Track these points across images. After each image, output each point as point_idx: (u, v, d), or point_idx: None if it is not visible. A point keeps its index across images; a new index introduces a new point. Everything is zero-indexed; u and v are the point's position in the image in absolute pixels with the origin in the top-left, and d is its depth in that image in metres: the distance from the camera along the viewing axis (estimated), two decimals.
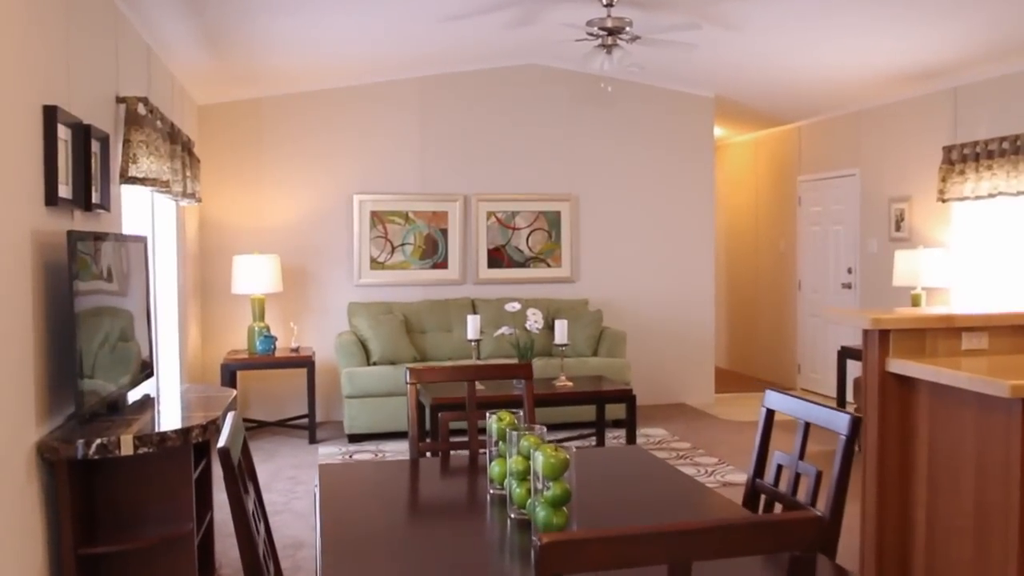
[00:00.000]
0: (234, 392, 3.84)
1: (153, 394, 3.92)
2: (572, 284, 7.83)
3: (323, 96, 7.30)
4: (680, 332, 8.05)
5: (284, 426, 6.93)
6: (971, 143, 6.31)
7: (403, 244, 7.48)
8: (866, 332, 3.67)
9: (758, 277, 9.54)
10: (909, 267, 6.59)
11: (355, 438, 6.58)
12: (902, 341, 3.58)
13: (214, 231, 7.15)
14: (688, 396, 8.12)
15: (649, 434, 6.71)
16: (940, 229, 6.80)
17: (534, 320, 5.83)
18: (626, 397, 5.75)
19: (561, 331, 5.91)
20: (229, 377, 6.52)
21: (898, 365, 3.49)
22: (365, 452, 6.24)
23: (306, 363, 6.60)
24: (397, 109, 7.45)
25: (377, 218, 7.41)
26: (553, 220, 7.78)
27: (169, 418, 3.45)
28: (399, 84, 7.44)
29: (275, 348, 6.67)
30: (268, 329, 6.77)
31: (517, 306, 5.87)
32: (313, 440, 6.56)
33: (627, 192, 7.92)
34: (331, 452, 6.25)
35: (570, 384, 5.93)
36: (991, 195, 6.11)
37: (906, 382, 3.57)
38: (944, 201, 6.56)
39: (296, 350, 6.81)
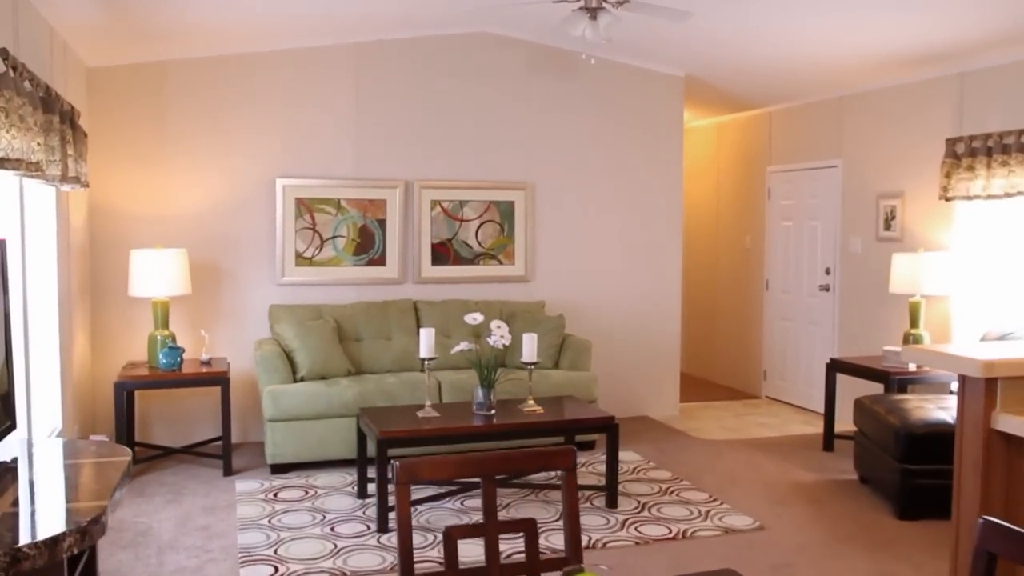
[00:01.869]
0: (129, 456, 2.81)
1: (20, 459, 2.85)
2: (526, 284, 6.93)
3: (241, 62, 6.18)
4: (643, 337, 7.25)
5: (192, 453, 5.83)
6: (982, 135, 5.65)
7: (334, 237, 6.44)
8: (964, 379, 2.89)
9: (718, 275, 8.82)
10: (909, 272, 5.91)
11: (279, 468, 5.55)
12: (1013, 391, 2.81)
13: (107, 221, 5.98)
14: (650, 408, 7.33)
15: (620, 459, 5.87)
16: (939, 230, 6.14)
17: (500, 335, 4.90)
18: (608, 426, 4.90)
19: (530, 347, 5.02)
20: (125, 398, 5.39)
21: (1014, 423, 2.71)
22: (294, 488, 5.23)
23: (220, 380, 5.52)
24: (328, 80, 6.38)
25: (304, 206, 6.35)
26: (506, 211, 6.85)
27: (34, 511, 2.40)
28: (331, 51, 6.37)
29: (182, 361, 5.57)
30: (173, 339, 5.66)
31: (480, 318, 4.93)
32: (228, 471, 5.50)
33: (588, 181, 7.05)
34: (252, 488, 5.21)
35: (540, 409, 5.05)
36: (1008, 195, 5.45)
37: (1016, 443, 2.81)
38: (948, 199, 5.90)
39: (207, 363, 5.72)
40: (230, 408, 5.56)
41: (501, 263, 6.86)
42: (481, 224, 6.79)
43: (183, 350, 5.59)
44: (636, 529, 4.57)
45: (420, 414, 4.86)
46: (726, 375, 8.70)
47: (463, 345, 4.92)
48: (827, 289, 7.25)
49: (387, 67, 6.50)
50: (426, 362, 4.87)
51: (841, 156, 7.07)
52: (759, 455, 6.08)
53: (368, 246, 6.53)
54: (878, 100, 6.68)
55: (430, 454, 5.67)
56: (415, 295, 6.62)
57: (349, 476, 5.46)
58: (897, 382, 5.65)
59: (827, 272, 7.26)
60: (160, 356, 5.53)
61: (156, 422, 6.11)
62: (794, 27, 5.65)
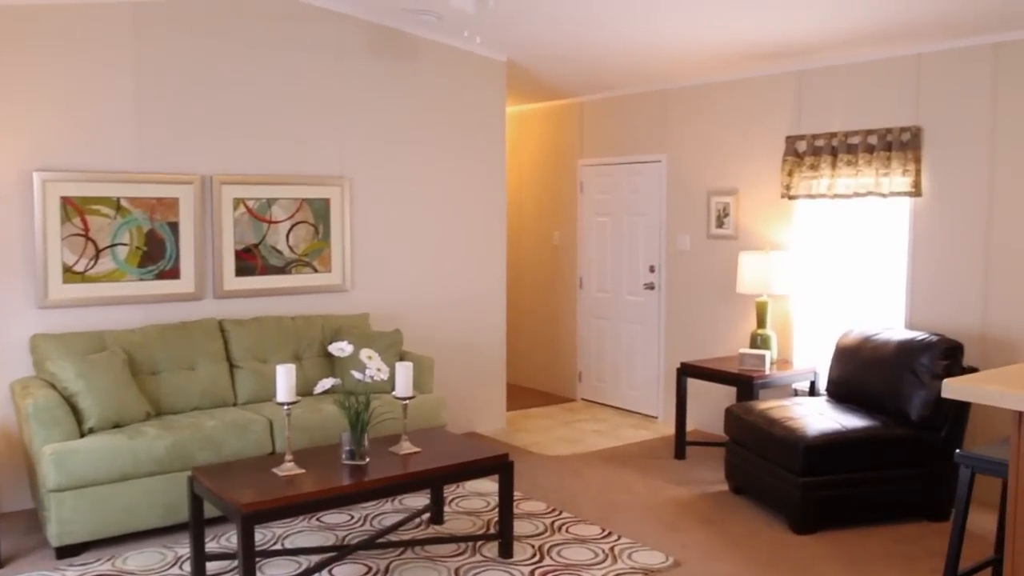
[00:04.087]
0: None
1: None
2: (345, 294, 6.04)
3: None
4: (467, 345, 6.63)
5: None
6: (825, 134, 5.64)
7: (113, 245, 5.16)
8: (1020, 416, 2.60)
9: (522, 273, 8.39)
10: (757, 271, 5.80)
11: (69, 551, 4.27)
12: None
13: None
14: (478, 422, 6.74)
15: (480, 492, 5.24)
16: (776, 228, 6.10)
17: (375, 368, 4.06)
18: (502, 466, 4.25)
19: (405, 378, 4.23)
20: None
21: None
22: None
23: None
24: (101, 47, 5.06)
25: (72, 207, 5.01)
26: (320, 210, 5.90)
27: None
28: (103, 9, 5.06)
29: None
30: None
31: (349, 348, 4.05)
32: None
33: (408, 175, 6.28)
34: None
35: (416, 450, 4.28)
36: (857, 194, 5.47)
37: None
38: (791, 198, 5.86)
39: None
40: None
41: (316, 271, 5.91)
42: (293, 226, 5.80)
43: None
44: None
45: (279, 472, 3.89)
46: (536, 378, 8.31)
47: (327, 383, 4.01)
48: (652, 287, 7.06)
49: (176, 34, 5.29)
50: (287, 408, 3.91)
51: (666, 151, 6.88)
52: (618, 470, 5.71)
53: (157, 255, 5.31)
54: (708, 95, 6.54)
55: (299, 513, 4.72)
56: (218, 312, 5.50)
57: (169, 551, 4.33)
58: (759, 387, 5.52)
59: (651, 270, 7.06)
60: None
61: None
62: (624, 15, 5.30)
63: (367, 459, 4.07)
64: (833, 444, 4.57)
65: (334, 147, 5.93)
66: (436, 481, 4.08)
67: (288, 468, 3.92)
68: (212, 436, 4.60)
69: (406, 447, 4.26)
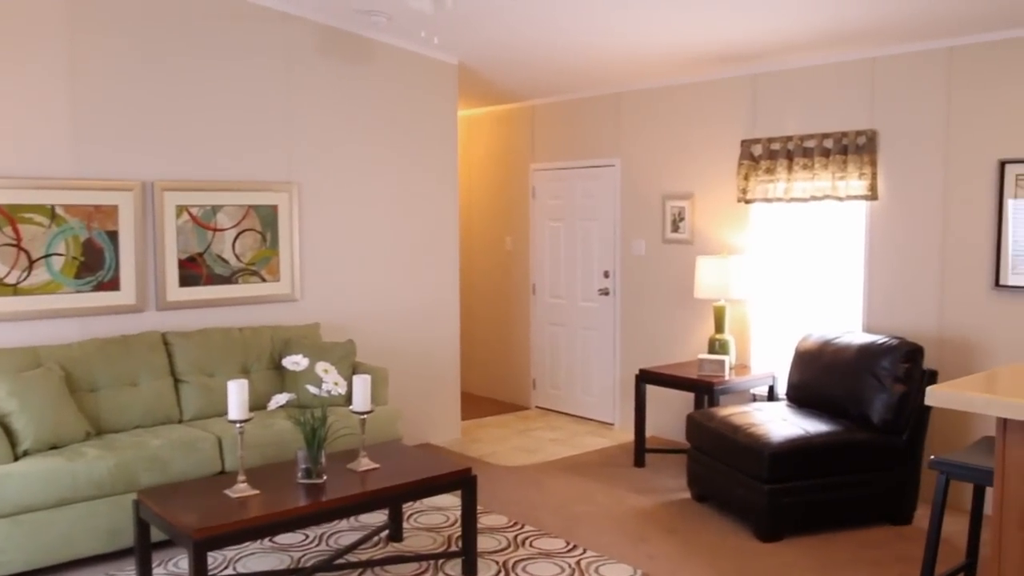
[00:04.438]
0: None
1: None
2: (294, 304, 5.83)
3: None
4: (422, 354, 6.47)
5: None
6: (781, 138, 5.63)
7: (48, 255, 4.88)
8: (1007, 424, 2.55)
9: (473, 280, 8.24)
10: (715, 276, 5.76)
11: None
12: None
13: None
14: (432, 433, 6.58)
15: (439, 507, 5.08)
16: (732, 232, 6.07)
17: (332, 382, 3.89)
18: (464, 481, 4.10)
19: (362, 392, 4.06)
20: None
21: None
22: None
23: None
24: (33, 44, 4.79)
25: (3, 215, 4.72)
26: (268, 217, 5.69)
27: None
28: (36, 5, 4.79)
29: None
30: None
31: (304, 362, 3.87)
32: None
33: (359, 180, 6.09)
34: None
35: (375, 466, 4.11)
36: (814, 198, 5.47)
37: None
38: (747, 202, 5.83)
39: None
40: None
41: (264, 280, 5.69)
42: (239, 234, 5.57)
43: None
44: None
45: (232, 493, 3.69)
46: (489, 387, 8.17)
47: (282, 398, 3.82)
48: (607, 293, 6.98)
49: (114, 30, 5.04)
50: (239, 427, 3.71)
51: (619, 155, 6.81)
52: (578, 480, 5.61)
53: (96, 266, 5.04)
54: (662, 98, 6.48)
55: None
56: (161, 325, 5.25)
57: None
58: (719, 392, 5.46)
59: (606, 275, 6.99)
60: None
61: None
62: (577, 18, 5.22)
63: (324, 477, 3.89)
64: (798, 450, 4.53)
65: (282, 151, 5.73)
66: (397, 499, 3.92)
67: (241, 489, 3.72)
68: (157, 456, 4.37)
69: (364, 463, 4.09)
